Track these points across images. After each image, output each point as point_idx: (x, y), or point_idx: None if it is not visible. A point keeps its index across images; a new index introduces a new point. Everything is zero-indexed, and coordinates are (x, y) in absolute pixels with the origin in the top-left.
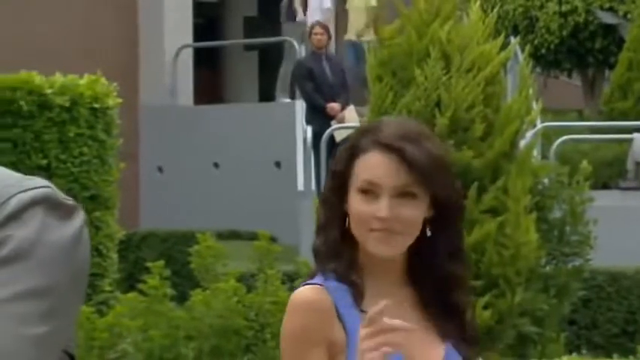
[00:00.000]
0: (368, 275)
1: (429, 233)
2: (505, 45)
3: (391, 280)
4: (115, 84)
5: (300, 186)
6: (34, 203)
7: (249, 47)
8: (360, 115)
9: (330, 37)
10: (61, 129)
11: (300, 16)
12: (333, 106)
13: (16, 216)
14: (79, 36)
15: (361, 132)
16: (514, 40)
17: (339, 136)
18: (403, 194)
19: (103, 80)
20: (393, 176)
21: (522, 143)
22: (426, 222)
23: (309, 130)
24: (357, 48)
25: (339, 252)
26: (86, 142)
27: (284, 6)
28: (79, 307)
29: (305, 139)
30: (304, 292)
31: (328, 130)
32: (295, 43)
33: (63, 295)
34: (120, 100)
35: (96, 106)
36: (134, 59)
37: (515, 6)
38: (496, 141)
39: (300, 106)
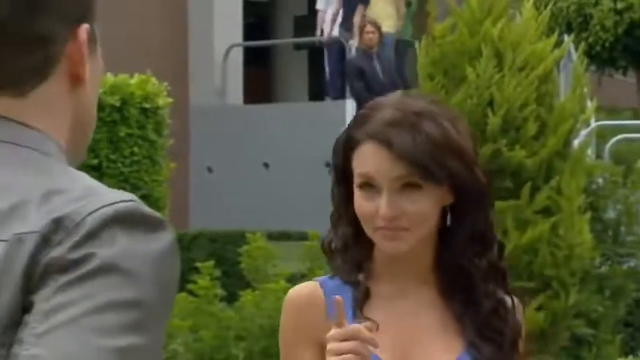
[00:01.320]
0: (383, 273)
1: (449, 222)
2: (559, 43)
3: (412, 276)
4: (165, 84)
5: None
6: (114, 220)
7: (299, 46)
8: None
9: (382, 36)
10: (111, 129)
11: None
12: None
13: (95, 234)
14: (130, 36)
15: (356, 120)
16: (568, 38)
17: None
18: (405, 186)
19: (154, 80)
20: (388, 169)
21: (576, 142)
22: (446, 209)
23: None
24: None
25: (349, 249)
26: (136, 142)
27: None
28: (166, 324)
29: None
30: (296, 289)
31: None
32: (345, 42)
33: (149, 310)
34: (170, 100)
35: (146, 105)
36: (184, 59)
37: (569, 3)
38: (549, 140)
39: (351, 105)
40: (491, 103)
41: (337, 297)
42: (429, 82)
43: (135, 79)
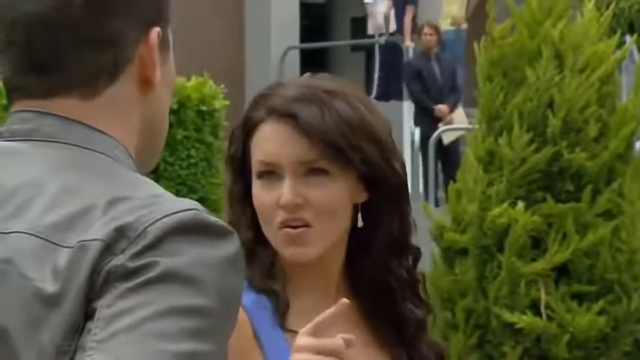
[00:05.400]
0: (291, 285)
1: (360, 223)
2: (620, 44)
3: (323, 289)
4: (221, 86)
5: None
6: (177, 229)
7: (356, 48)
8: (469, 116)
9: (440, 37)
10: (168, 131)
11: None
12: (441, 108)
13: (157, 244)
14: (186, 38)
15: (254, 102)
16: (630, 39)
17: (446, 138)
18: (311, 172)
19: (211, 82)
20: (291, 149)
21: (638, 145)
22: (357, 209)
23: (417, 131)
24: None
25: (253, 256)
26: (193, 145)
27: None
28: (230, 333)
29: (412, 141)
30: None
31: (436, 133)
32: (402, 44)
33: (211, 318)
34: (227, 103)
35: (203, 108)
36: (240, 61)
37: (632, 3)
38: (611, 142)
39: (408, 107)
40: (551, 105)
41: (344, 300)
42: (488, 84)
43: (192, 82)
